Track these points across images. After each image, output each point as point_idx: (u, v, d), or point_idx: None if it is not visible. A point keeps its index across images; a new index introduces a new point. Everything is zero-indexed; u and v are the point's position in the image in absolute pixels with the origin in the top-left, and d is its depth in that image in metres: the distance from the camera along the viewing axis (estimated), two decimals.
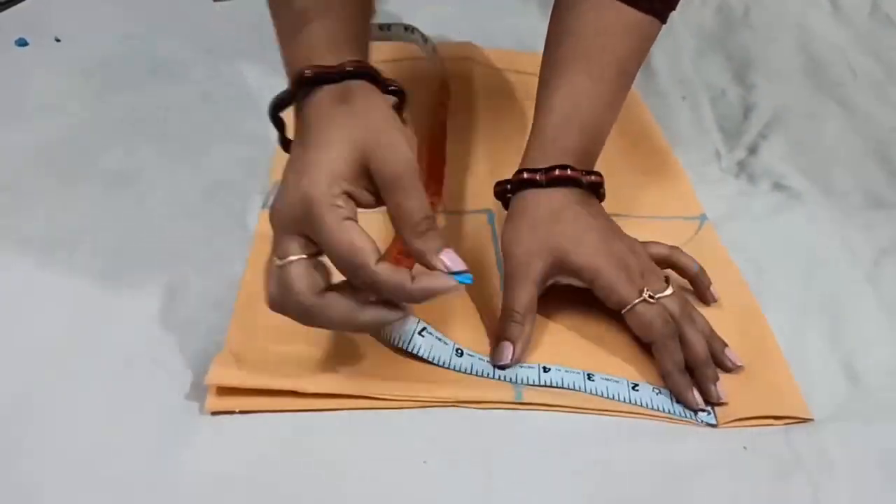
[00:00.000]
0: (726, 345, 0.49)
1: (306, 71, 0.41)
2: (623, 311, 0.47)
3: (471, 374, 0.47)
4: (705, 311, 0.51)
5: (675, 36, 0.85)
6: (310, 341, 0.48)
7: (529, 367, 0.48)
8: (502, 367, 0.47)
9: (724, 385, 0.47)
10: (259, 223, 0.56)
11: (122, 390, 0.45)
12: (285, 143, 0.44)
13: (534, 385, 0.47)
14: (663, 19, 0.54)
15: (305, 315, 0.40)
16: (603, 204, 0.53)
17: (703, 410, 0.46)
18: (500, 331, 0.48)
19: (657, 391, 0.47)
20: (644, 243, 0.51)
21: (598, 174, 0.52)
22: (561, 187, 0.49)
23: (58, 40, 0.74)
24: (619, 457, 0.43)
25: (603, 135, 0.53)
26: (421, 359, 0.47)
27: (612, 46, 0.52)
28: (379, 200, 0.41)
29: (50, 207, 0.56)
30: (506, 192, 0.52)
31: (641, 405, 0.46)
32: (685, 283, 0.53)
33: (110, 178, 0.59)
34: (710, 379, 0.47)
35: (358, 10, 0.45)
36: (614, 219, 0.52)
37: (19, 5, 0.78)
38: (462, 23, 0.78)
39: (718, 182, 0.65)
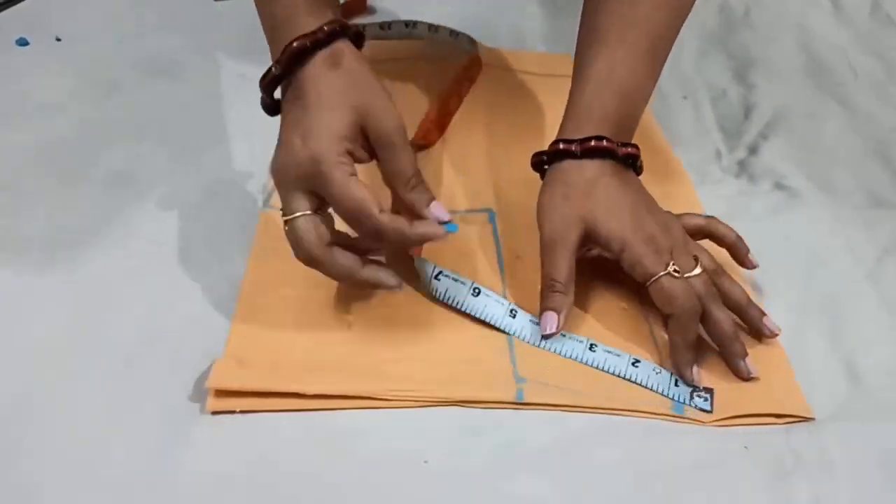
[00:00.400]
0: (764, 314, 0.49)
1: (294, 43, 0.45)
2: (647, 284, 0.47)
3: (481, 317, 0.49)
4: None
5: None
6: (310, 342, 0.48)
7: (537, 324, 0.48)
8: (548, 337, 0.48)
9: (725, 383, 0.47)
10: (260, 222, 0.56)
11: (122, 390, 0.45)
12: (272, 107, 0.48)
13: (536, 346, 0.48)
14: None
15: (315, 263, 0.45)
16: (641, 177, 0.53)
17: (699, 392, 0.46)
18: (543, 301, 0.48)
19: (657, 370, 0.47)
20: (680, 215, 0.51)
21: (635, 146, 0.51)
22: (596, 158, 0.50)
23: (58, 40, 0.74)
24: (620, 456, 0.43)
25: (640, 105, 0.53)
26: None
27: (647, 17, 0.52)
28: (373, 157, 0.46)
29: (50, 207, 0.56)
30: (542, 162, 0.52)
31: (638, 382, 0.47)
32: (724, 261, 0.52)
33: (110, 177, 0.59)
34: (738, 355, 0.47)
35: None
36: None
37: (20, 5, 0.78)
38: (462, 22, 0.78)
39: (719, 182, 0.65)
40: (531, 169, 0.53)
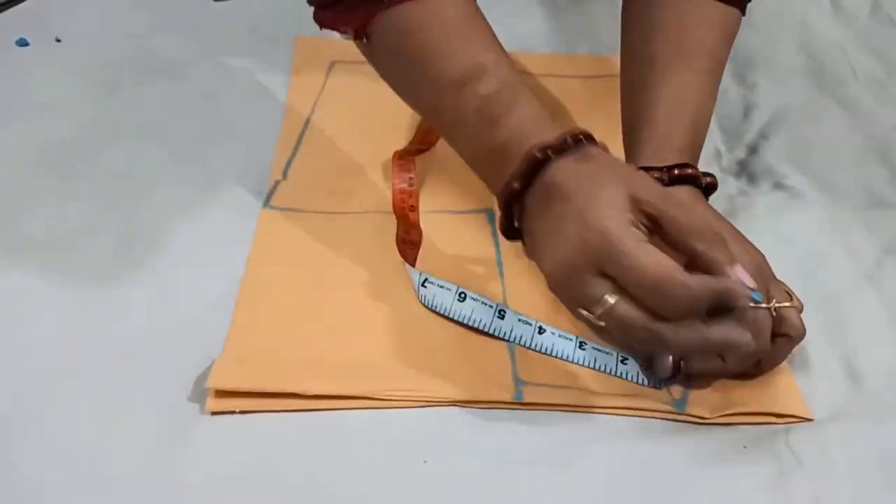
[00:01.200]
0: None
1: (533, 154, 0.42)
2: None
3: (469, 323, 0.48)
4: None
5: None
6: (310, 342, 0.48)
7: (526, 323, 0.48)
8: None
9: (725, 383, 0.47)
10: (259, 222, 0.56)
11: (121, 390, 0.45)
12: (511, 230, 0.46)
13: (526, 346, 0.48)
14: (743, 10, 0.55)
15: (656, 341, 0.40)
16: None
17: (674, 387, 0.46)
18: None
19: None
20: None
21: (713, 176, 0.50)
22: (685, 186, 0.48)
23: (58, 40, 0.74)
24: (619, 456, 0.43)
25: (706, 128, 0.52)
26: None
27: (703, 39, 0.52)
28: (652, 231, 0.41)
29: (50, 207, 0.56)
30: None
31: (628, 378, 0.47)
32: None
33: (111, 177, 0.59)
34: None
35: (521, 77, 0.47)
36: None
37: (20, 5, 0.78)
38: None
39: (719, 181, 0.65)
40: None
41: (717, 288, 0.39)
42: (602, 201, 0.40)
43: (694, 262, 0.40)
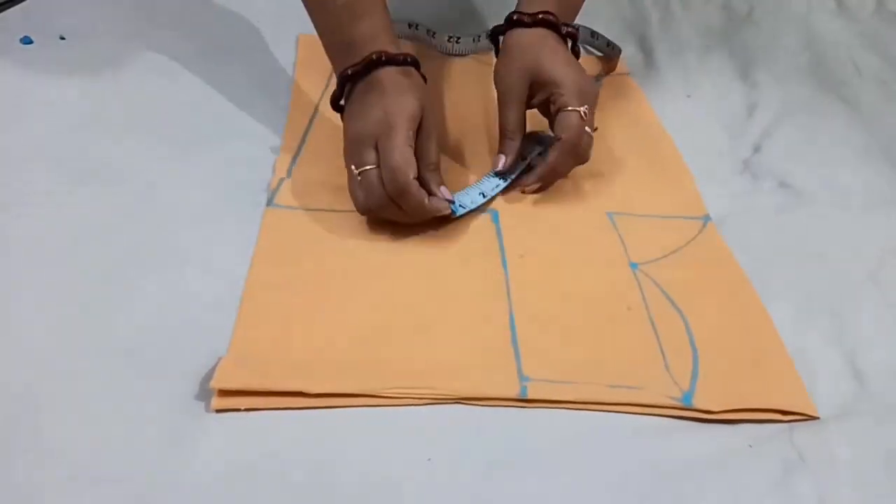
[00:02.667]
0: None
1: (374, 55, 0.55)
2: (561, 110, 0.57)
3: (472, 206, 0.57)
4: (714, 322, 0.52)
5: (680, 33, 0.85)
6: (314, 340, 0.48)
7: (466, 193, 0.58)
8: (499, 175, 0.60)
9: (726, 379, 0.47)
10: (264, 220, 0.56)
11: (125, 389, 0.45)
12: (337, 105, 0.59)
13: (464, 208, 0.57)
14: None
15: (403, 194, 0.52)
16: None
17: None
18: (499, 146, 0.61)
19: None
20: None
21: (576, 29, 0.63)
22: (543, 28, 0.60)
23: (62, 38, 0.74)
24: (623, 453, 0.43)
25: None
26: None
27: None
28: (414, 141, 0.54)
29: (50, 207, 0.56)
30: (498, 33, 0.63)
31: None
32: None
33: (112, 176, 0.59)
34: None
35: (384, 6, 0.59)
36: (615, 216, 0.58)
37: (24, 3, 0.78)
38: (462, 20, 0.78)
39: (723, 180, 0.65)
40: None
41: (421, 195, 0.53)
42: (402, 104, 0.54)
43: (419, 180, 0.54)
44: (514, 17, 0.61)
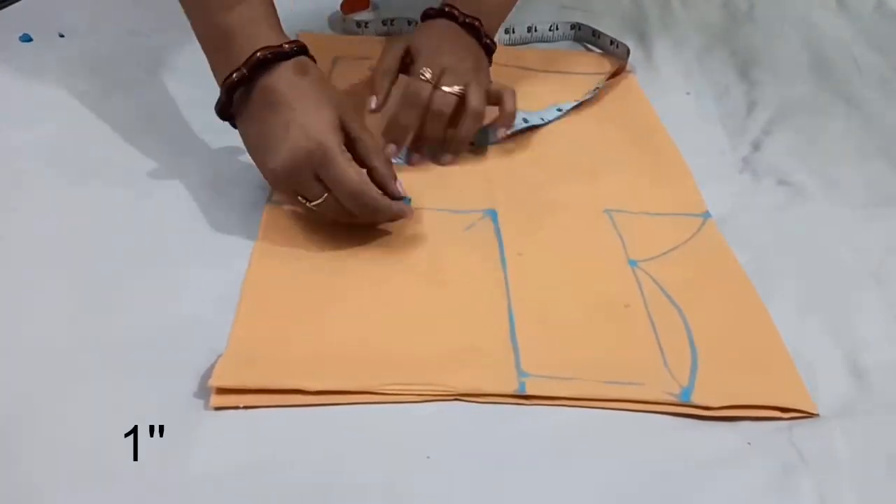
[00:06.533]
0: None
1: (259, 53, 0.51)
2: (411, 76, 0.61)
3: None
4: (713, 319, 0.51)
5: (680, 31, 0.85)
6: (313, 337, 0.48)
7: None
8: (372, 111, 0.61)
9: (725, 376, 0.47)
10: (263, 218, 0.56)
11: (124, 387, 0.45)
12: (225, 112, 0.55)
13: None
14: None
15: (362, 199, 0.52)
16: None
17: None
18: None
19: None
20: (492, 82, 0.65)
21: (477, 20, 0.65)
22: (444, 19, 0.64)
23: (62, 36, 0.74)
24: (623, 451, 0.43)
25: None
26: None
27: None
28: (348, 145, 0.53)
29: (51, 206, 0.56)
30: (427, 17, 0.66)
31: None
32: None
33: (113, 174, 0.59)
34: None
35: None
36: (615, 213, 0.58)
37: (23, 1, 0.78)
38: None
39: (723, 178, 0.65)
40: (529, 170, 0.63)
41: (387, 203, 0.53)
42: (321, 119, 0.51)
43: (371, 174, 0.53)
44: (428, 10, 0.66)
